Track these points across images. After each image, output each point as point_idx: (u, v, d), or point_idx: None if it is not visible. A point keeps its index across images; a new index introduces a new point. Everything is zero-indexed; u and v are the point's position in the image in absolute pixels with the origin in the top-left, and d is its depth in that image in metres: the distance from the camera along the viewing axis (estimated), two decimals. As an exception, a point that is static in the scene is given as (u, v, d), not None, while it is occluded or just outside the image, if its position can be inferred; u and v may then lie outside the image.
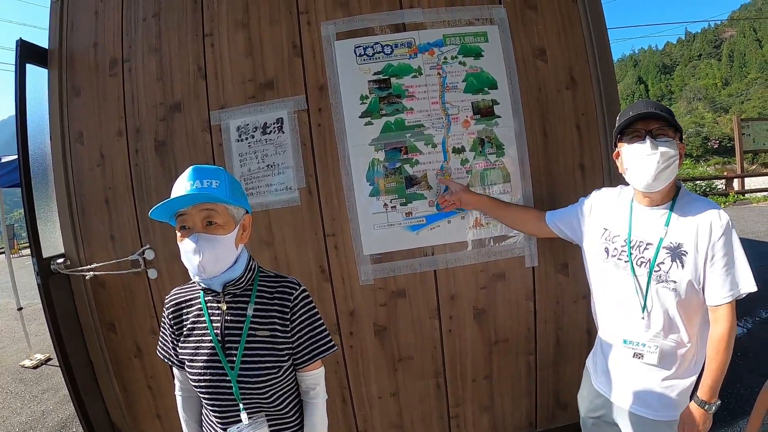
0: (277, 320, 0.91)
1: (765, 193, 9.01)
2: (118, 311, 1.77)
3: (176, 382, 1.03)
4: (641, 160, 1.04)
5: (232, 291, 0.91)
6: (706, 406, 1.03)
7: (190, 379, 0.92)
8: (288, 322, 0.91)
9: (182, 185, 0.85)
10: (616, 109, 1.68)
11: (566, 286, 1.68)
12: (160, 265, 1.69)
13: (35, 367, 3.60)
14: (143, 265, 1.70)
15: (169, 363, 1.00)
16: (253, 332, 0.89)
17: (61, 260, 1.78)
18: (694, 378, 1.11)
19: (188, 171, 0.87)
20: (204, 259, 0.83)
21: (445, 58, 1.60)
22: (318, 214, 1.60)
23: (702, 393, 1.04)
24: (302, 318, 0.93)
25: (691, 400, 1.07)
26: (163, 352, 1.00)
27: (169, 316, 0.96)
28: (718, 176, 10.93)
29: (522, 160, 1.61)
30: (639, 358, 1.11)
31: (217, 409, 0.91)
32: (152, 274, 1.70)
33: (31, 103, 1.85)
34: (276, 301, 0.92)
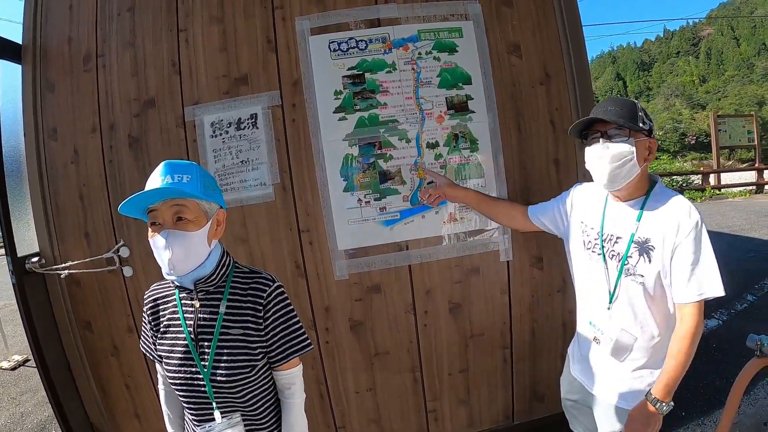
0: (250, 318, 0.89)
1: (741, 189, 9.19)
2: (93, 310, 1.75)
3: (159, 376, 1.02)
4: (595, 162, 1.08)
5: (204, 288, 0.89)
6: (658, 404, 1.00)
7: (167, 376, 0.92)
8: (261, 320, 0.90)
9: (154, 181, 0.84)
10: (590, 104, 1.70)
11: (541, 280, 1.70)
12: (136, 262, 1.68)
13: (13, 368, 3.54)
14: (118, 262, 1.68)
15: (151, 357, 0.99)
16: (226, 330, 0.88)
17: (35, 259, 1.76)
18: None
19: (160, 166, 0.85)
20: (173, 255, 0.82)
21: (420, 53, 1.60)
22: (292, 210, 1.59)
23: (656, 390, 1.00)
24: (276, 315, 0.91)
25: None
26: (145, 347, 1.00)
27: (147, 312, 0.95)
28: (694, 171, 11.13)
29: (496, 155, 1.62)
30: (596, 342, 1.14)
31: (192, 406, 0.90)
32: (127, 271, 1.68)
33: (4, 99, 1.82)
34: (249, 298, 0.90)
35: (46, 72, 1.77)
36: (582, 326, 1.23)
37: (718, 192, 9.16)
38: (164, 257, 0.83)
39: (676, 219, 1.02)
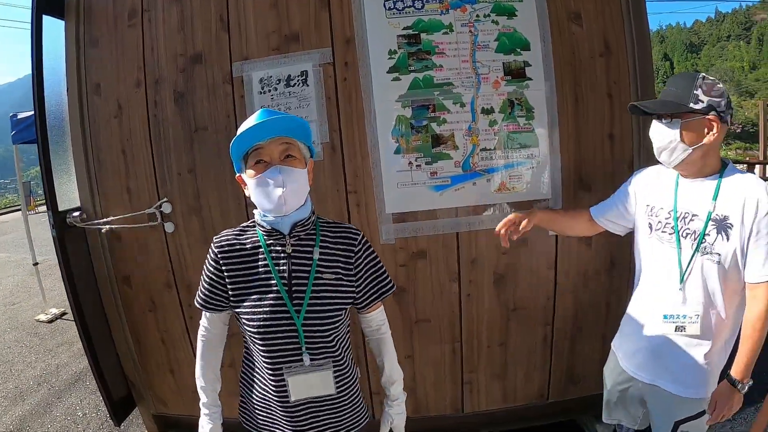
0: (341, 264, 0.91)
1: (789, 183, 8.78)
2: (133, 265, 1.75)
3: (202, 327, 0.97)
4: (654, 137, 1.13)
5: (297, 233, 0.88)
6: (739, 385, 1.02)
7: (250, 327, 0.87)
8: (352, 266, 0.92)
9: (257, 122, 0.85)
10: (649, 79, 1.63)
11: (588, 259, 1.65)
12: (177, 218, 1.67)
13: (50, 321, 3.65)
14: (160, 218, 1.68)
15: (209, 308, 0.93)
16: (320, 275, 0.89)
17: (77, 213, 1.76)
18: (726, 356, 1.11)
19: (260, 111, 0.86)
20: (287, 190, 0.82)
21: (478, 15, 1.54)
22: (341, 171, 1.56)
23: (735, 372, 1.04)
24: (367, 261, 0.95)
25: (722, 380, 1.07)
26: (207, 297, 0.93)
27: (219, 256, 0.90)
28: (739, 161, 10.47)
29: (551, 125, 1.57)
30: (681, 331, 1.11)
31: (275, 355, 0.87)
32: (169, 227, 1.68)
33: (48, 56, 1.80)
34: (339, 246, 0.92)
35: (89, 27, 1.75)
36: (646, 316, 1.18)
37: (765, 186, 8.76)
38: (274, 193, 0.82)
39: (756, 197, 1.01)
